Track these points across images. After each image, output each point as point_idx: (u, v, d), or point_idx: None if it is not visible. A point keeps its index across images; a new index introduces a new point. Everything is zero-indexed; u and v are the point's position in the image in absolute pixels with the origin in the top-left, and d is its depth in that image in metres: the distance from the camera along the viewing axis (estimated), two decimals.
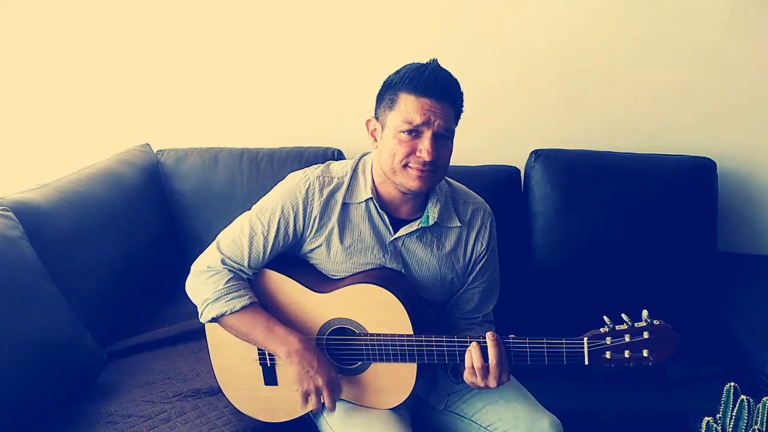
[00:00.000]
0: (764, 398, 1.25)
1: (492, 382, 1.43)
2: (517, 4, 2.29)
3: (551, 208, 2.16)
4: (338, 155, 2.27)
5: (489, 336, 1.42)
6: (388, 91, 1.48)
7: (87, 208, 2.00)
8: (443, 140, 1.47)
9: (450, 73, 1.49)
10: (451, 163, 2.16)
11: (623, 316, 1.38)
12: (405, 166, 1.47)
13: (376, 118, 1.53)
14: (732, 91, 2.27)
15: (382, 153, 1.51)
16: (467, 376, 1.46)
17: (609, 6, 2.25)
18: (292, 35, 2.40)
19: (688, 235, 2.13)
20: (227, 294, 1.54)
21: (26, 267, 1.70)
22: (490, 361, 1.42)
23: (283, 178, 1.64)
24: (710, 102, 2.29)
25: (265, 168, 2.26)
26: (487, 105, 2.38)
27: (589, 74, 2.32)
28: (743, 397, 1.25)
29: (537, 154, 2.22)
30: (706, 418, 1.28)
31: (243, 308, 1.53)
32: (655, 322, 1.37)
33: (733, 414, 1.26)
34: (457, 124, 1.52)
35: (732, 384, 1.28)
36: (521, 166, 2.27)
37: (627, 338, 1.37)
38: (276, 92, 2.46)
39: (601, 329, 1.39)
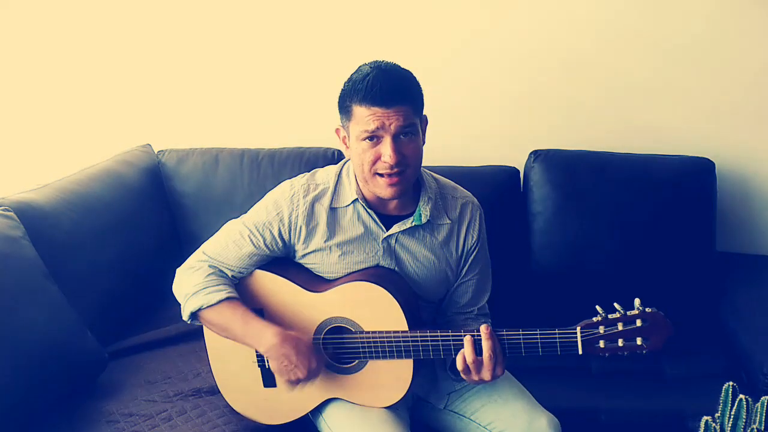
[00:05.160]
0: (763, 397, 1.25)
1: (486, 375, 1.44)
2: (518, 5, 2.29)
3: (551, 208, 2.17)
4: (338, 155, 2.28)
5: (483, 329, 1.43)
6: (344, 102, 1.50)
7: (88, 209, 2.00)
8: (407, 136, 1.47)
9: (397, 72, 1.48)
10: (451, 163, 2.19)
11: (616, 305, 1.39)
12: (375, 174, 1.49)
13: (343, 126, 1.55)
14: (732, 91, 2.27)
15: (354, 161, 1.53)
16: (462, 373, 1.47)
17: (609, 6, 2.26)
18: (293, 35, 2.40)
19: (687, 234, 2.14)
20: (206, 288, 1.55)
21: (27, 267, 1.70)
22: (483, 354, 1.43)
23: (284, 179, 1.66)
24: (710, 102, 2.29)
25: (266, 168, 2.26)
26: (487, 105, 2.38)
27: (589, 74, 2.32)
28: (742, 396, 1.25)
29: (536, 155, 2.22)
30: (705, 418, 1.28)
31: (219, 302, 1.54)
32: (648, 309, 1.38)
33: (732, 413, 1.26)
34: (421, 116, 1.52)
35: (730, 383, 1.28)
36: (521, 166, 2.28)
37: (620, 327, 1.38)
38: (276, 92, 2.46)
39: (594, 318, 1.40)
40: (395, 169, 1.47)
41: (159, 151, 2.38)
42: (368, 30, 2.36)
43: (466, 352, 1.44)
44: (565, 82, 2.33)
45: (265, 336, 1.51)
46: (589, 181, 2.17)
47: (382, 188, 1.50)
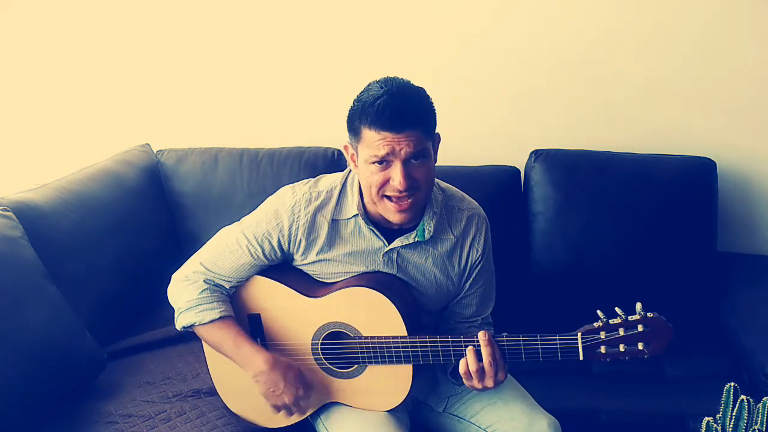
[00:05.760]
0: (764, 398, 1.25)
1: (489, 382, 1.43)
2: (517, 5, 2.29)
3: (551, 208, 2.16)
4: (338, 155, 2.27)
5: (481, 336, 1.42)
6: (353, 122, 1.44)
7: (87, 208, 2.00)
8: (418, 160, 1.43)
9: (408, 95, 1.42)
10: (451, 163, 2.18)
11: (617, 309, 1.38)
12: (383, 196, 1.46)
13: (351, 144, 1.50)
14: (732, 91, 2.27)
15: (362, 181, 1.49)
16: (465, 380, 1.46)
17: (609, 6, 2.25)
18: (292, 35, 2.40)
19: (687, 234, 2.13)
20: (199, 305, 1.54)
21: (26, 267, 1.70)
22: (483, 360, 1.42)
23: (283, 179, 1.64)
24: (710, 102, 2.29)
25: (265, 168, 2.26)
26: (487, 105, 2.38)
27: (590, 74, 2.32)
28: (743, 397, 1.25)
29: (537, 154, 2.22)
30: (706, 418, 1.27)
31: (212, 321, 1.53)
32: (649, 314, 1.37)
33: (733, 414, 1.26)
34: (433, 136, 1.48)
35: (732, 384, 1.28)
36: (521, 166, 2.27)
37: (621, 332, 1.37)
38: (276, 92, 2.46)
39: (595, 324, 1.39)
40: (404, 193, 1.44)
41: (158, 151, 2.38)
42: (368, 30, 2.36)
43: (469, 360, 1.43)
44: (565, 82, 2.33)
45: (255, 362, 1.52)
46: (590, 180, 2.16)
47: (391, 213, 1.47)
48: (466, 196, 1.65)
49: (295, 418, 1.58)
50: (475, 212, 1.62)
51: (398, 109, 1.39)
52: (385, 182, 1.44)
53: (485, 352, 1.41)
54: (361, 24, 2.36)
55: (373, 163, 1.42)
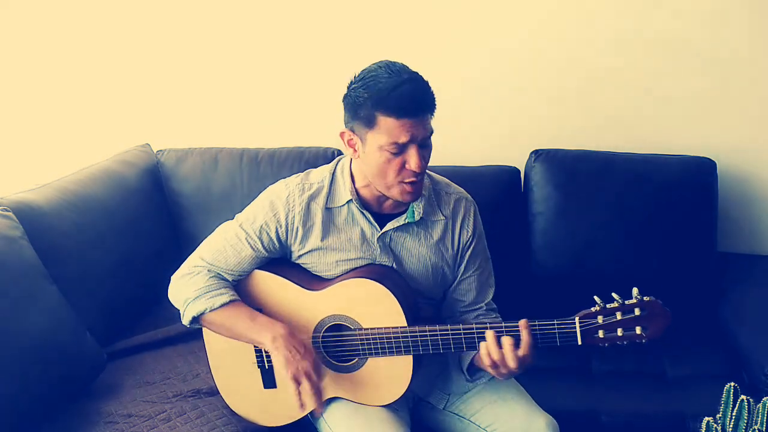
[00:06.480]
0: (764, 398, 1.25)
1: (512, 363, 1.42)
2: (517, 5, 2.29)
3: (551, 208, 2.16)
4: (338, 155, 2.27)
5: (522, 323, 1.42)
6: (361, 108, 1.43)
7: (87, 208, 2.00)
8: (427, 141, 1.48)
9: (420, 80, 1.45)
10: (451, 163, 2.18)
11: (613, 294, 1.39)
12: (400, 182, 1.48)
13: (352, 131, 1.49)
14: (732, 91, 2.27)
15: (369, 168, 1.50)
16: (491, 370, 1.46)
17: (610, 7, 2.26)
18: (292, 35, 2.40)
19: (688, 235, 2.13)
20: (208, 291, 1.55)
21: (26, 267, 1.70)
22: (522, 346, 1.41)
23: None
24: (710, 102, 2.29)
25: (265, 168, 2.26)
26: (487, 105, 2.38)
27: (590, 74, 2.32)
28: (743, 397, 1.25)
29: (537, 154, 2.22)
30: (706, 418, 1.27)
31: (223, 305, 1.54)
32: (646, 298, 1.38)
33: (733, 414, 1.26)
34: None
35: (732, 384, 1.28)
36: (521, 166, 2.27)
37: (618, 316, 1.38)
38: (276, 92, 2.46)
39: (592, 308, 1.40)
40: (418, 177, 1.47)
41: (158, 151, 2.38)
42: (367, 29, 2.36)
43: (491, 348, 1.42)
44: (565, 83, 2.33)
45: (275, 327, 1.51)
46: (590, 181, 2.16)
47: (405, 194, 1.50)
48: (452, 182, 1.68)
49: (309, 402, 1.48)
50: (462, 196, 1.65)
51: (417, 96, 1.42)
52: (401, 168, 1.46)
53: (524, 337, 1.41)
54: (361, 24, 2.36)
55: (389, 151, 1.44)
